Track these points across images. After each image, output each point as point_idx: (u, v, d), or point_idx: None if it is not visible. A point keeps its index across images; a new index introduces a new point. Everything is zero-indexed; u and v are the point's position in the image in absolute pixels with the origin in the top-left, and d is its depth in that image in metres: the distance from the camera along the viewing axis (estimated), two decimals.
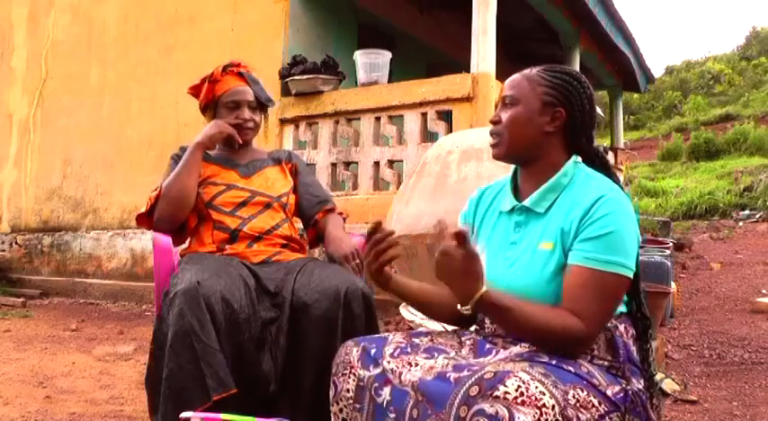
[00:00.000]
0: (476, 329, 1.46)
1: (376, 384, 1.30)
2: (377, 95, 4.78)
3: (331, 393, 1.37)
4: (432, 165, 3.02)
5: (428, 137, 4.61)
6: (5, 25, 7.50)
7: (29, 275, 6.80)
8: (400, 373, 1.28)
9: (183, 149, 2.11)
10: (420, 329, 1.52)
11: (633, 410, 1.21)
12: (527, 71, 1.40)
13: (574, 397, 1.12)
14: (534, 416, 1.03)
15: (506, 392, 1.04)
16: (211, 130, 2.05)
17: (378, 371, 1.31)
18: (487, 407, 1.04)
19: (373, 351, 1.34)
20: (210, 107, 2.15)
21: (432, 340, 1.40)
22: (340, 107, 4.89)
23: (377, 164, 4.74)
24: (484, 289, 1.21)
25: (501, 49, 4.82)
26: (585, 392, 1.15)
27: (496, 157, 1.43)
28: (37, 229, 6.92)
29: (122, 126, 6.37)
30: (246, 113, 2.11)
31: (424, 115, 4.57)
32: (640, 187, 11.86)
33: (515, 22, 6.75)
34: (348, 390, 1.34)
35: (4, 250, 7.12)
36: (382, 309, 3.38)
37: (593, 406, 1.15)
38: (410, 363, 1.29)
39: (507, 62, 7.49)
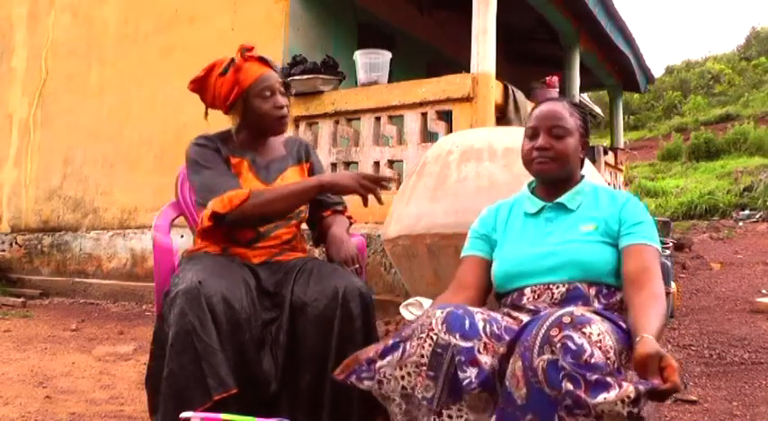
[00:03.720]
0: (508, 310, 1.58)
1: (461, 357, 1.28)
2: (377, 95, 4.78)
3: (395, 355, 1.33)
4: (432, 165, 3.02)
5: (428, 137, 4.61)
6: (5, 25, 7.50)
7: (29, 275, 6.80)
8: (498, 334, 1.36)
9: (207, 139, 1.98)
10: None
11: None
12: (561, 104, 1.67)
13: (623, 356, 1.28)
14: (603, 361, 1.18)
15: (590, 333, 1.20)
16: (345, 180, 1.87)
17: (468, 344, 1.30)
18: (577, 337, 1.19)
19: (467, 323, 1.33)
20: (239, 101, 1.96)
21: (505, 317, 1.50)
22: (340, 107, 4.89)
23: (377, 164, 4.74)
24: (654, 346, 1.22)
25: (501, 49, 4.83)
26: (628, 355, 1.31)
27: (546, 172, 1.64)
28: (37, 229, 6.92)
29: (122, 126, 6.37)
30: (282, 99, 1.97)
31: (424, 115, 4.57)
32: (640, 187, 11.86)
33: (515, 22, 6.75)
34: (422, 356, 1.30)
35: (4, 250, 7.12)
36: (382, 309, 3.38)
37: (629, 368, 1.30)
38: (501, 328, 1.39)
39: (507, 62, 7.50)
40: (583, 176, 1.71)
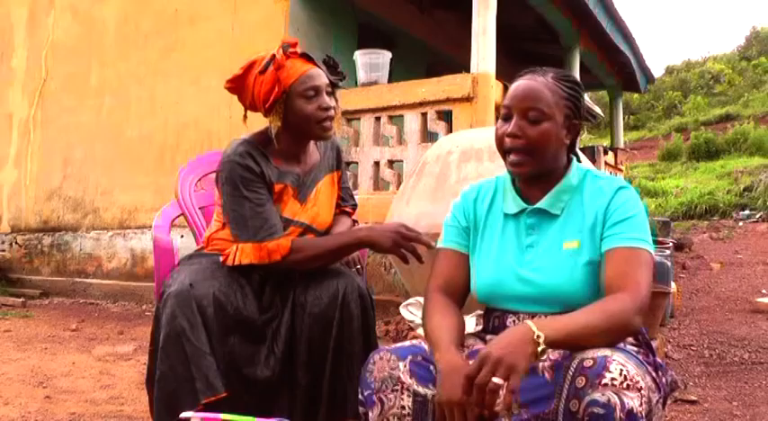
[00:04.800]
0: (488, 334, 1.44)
1: None
2: (377, 95, 4.78)
3: (375, 411, 1.29)
4: (432, 165, 3.02)
5: (428, 137, 4.61)
6: (5, 25, 7.50)
7: (29, 275, 6.80)
8: None
9: (250, 155, 1.76)
10: None
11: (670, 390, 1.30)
12: (542, 79, 1.37)
13: (647, 379, 1.17)
14: (639, 399, 1.08)
15: (613, 379, 1.08)
16: (383, 240, 1.72)
17: None
18: (599, 396, 1.07)
19: (431, 368, 1.28)
20: (279, 102, 1.76)
21: (465, 346, 1.37)
22: (340, 107, 4.89)
23: (377, 164, 4.74)
24: (541, 337, 1.12)
25: (501, 49, 4.82)
26: (649, 377, 1.20)
27: (522, 174, 1.39)
28: (37, 229, 6.92)
29: (122, 126, 6.37)
30: (328, 100, 1.78)
31: (424, 115, 4.57)
32: (640, 187, 11.86)
33: (515, 22, 6.75)
34: (403, 407, 1.27)
35: (4, 250, 7.12)
36: (382, 309, 3.39)
37: (654, 390, 1.19)
38: None
39: (507, 62, 7.49)
40: (570, 162, 1.44)
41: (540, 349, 1.11)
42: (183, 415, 1.48)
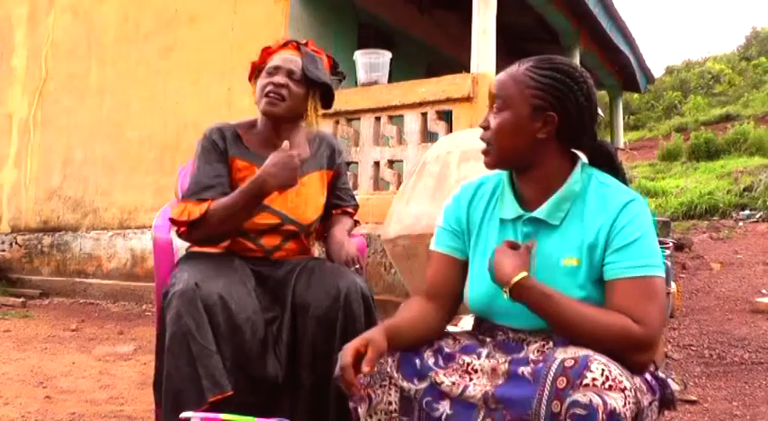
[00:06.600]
0: (482, 337, 1.40)
1: (428, 398, 1.23)
2: (377, 95, 4.78)
3: (364, 406, 1.29)
4: (432, 165, 3.02)
5: (428, 137, 4.61)
6: (5, 25, 7.50)
7: (29, 275, 6.80)
8: (465, 386, 1.21)
9: (220, 133, 1.88)
10: None
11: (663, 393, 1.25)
12: (514, 68, 1.32)
13: (635, 380, 1.13)
14: (623, 400, 1.04)
15: (594, 379, 1.05)
16: (277, 178, 1.71)
17: (425, 384, 1.25)
18: (580, 397, 1.04)
19: (417, 362, 1.27)
20: (255, 75, 1.92)
21: (456, 340, 1.36)
22: (340, 107, 4.88)
23: (377, 164, 4.74)
24: (523, 274, 1.19)
25: (501, 49, 4.82)
26: (639, 379, 1.16)
27: (487, 166, 1.37)
28: (37, 229, 6.92)
29: (122, 126, 6.38)
30: (281, 78, 1.82)
31: (424, 115, 4.57)
32: (640, 187, 11.85)
33: (515, 22, 6.75)
34: (390, 403, 1.27)
35: (4, 250, 7.12)
36: (382, 309, 3.38)
37: (645, 391, 1.16)
38: (468, 373, 1.24)
39: (507, 62, 7.48)
40: (579, 165, 1.32)
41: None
42: (183, 415, 1.48)
